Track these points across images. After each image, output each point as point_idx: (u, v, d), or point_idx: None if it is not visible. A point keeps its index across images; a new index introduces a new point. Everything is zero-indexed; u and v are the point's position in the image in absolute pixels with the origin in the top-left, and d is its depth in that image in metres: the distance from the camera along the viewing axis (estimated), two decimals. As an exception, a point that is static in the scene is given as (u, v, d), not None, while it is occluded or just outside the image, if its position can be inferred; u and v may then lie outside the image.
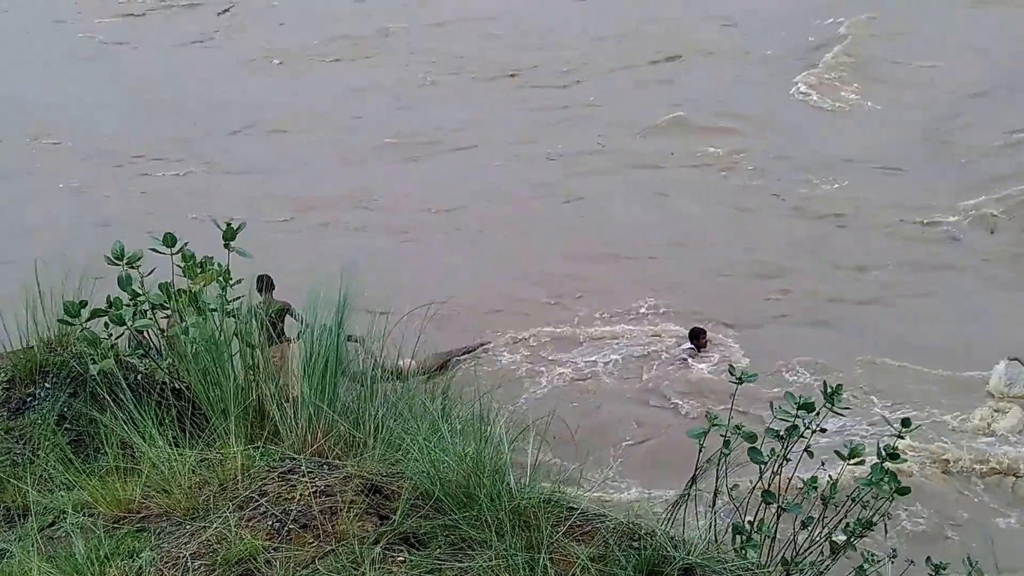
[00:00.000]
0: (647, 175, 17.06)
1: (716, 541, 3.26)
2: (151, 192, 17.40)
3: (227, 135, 19.85)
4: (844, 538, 3.73)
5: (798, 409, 3.56)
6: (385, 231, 15.66)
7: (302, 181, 17.38)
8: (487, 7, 25.89)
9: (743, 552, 3.27)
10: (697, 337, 12.10)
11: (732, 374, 3.71)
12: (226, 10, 27.79)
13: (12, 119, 20.63)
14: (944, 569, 3.76)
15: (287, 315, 7.84)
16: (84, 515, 3.39)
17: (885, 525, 3.75)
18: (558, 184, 16.93)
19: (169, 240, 4.28)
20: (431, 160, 18.27)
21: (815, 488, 3.72)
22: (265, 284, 9.26)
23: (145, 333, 4.31)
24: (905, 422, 3.77)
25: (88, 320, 4.10)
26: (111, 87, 22.32)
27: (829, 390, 3.69)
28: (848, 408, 3.79)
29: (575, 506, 3.31)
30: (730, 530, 3.46)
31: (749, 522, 3.50)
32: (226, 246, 4.39)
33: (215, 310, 4.02)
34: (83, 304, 4.11)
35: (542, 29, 24.43)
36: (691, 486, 3.58)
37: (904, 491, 3.67)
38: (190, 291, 4.20)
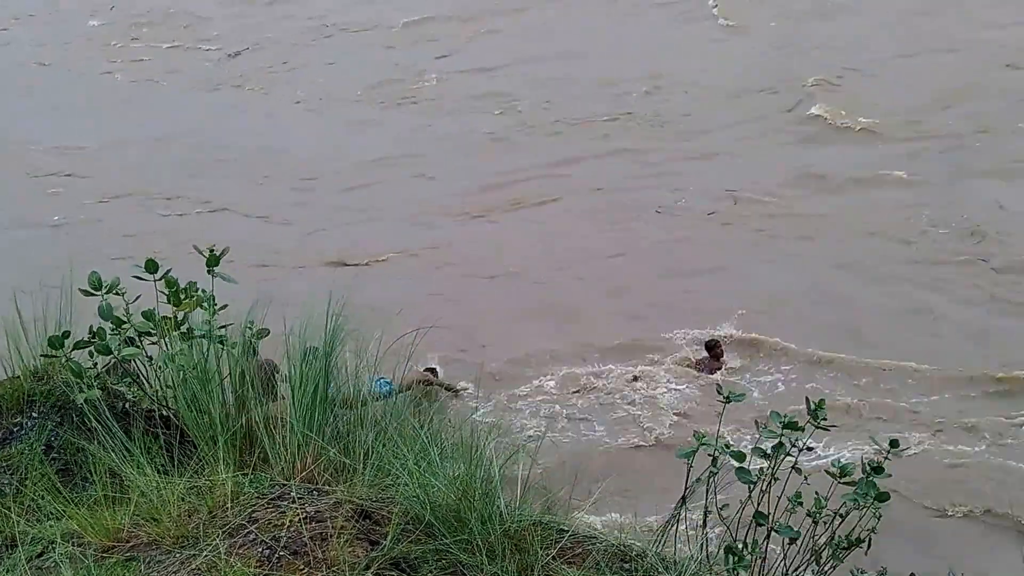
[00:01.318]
0: (798, 238, 14.30)
1: (708, 562, 3.27)
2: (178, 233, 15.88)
3: (290, 185, 18.12)
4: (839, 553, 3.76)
5: (784, 428, 3.59)
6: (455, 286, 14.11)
7: (367, 234, 15.86)
8: (535, 50, 23.21)
9: (735, 573, 3.28)
10: None
11: (720, 393, 3.74)
12: (238, 53, 25.61)
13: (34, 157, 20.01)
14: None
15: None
16: (73, 545, 3.37)
17: (869, 539, 3.77)
18: (676, 245, 14.47)
19: (151, 266, 4.26)
20: (510, 215, 16.10)
21: (800, 503, 3.75)
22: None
23: (133, 360, 4.29)
24: (893, 443, 3.81)
25: (72, 351, 4.08)
26: (143, 132, 20.99)
27: (813, 406, 3.73)
28: (835, 425, 3.81)
29: (566, 528, 3.31)
30: (721, 550, 3.47)
31: (744, 544, 3.51)
32: (209, 272, 4.38)
33: (202, 336, 4.01)
34: (66, 335, 4.09)
35: (614, 73, 21.26)
36: (681, 506, 3.59)
37: (884, 497, 3.69)
38: (175, 317, 4.19)
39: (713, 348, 11.60)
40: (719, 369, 11.55)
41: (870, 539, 3.78)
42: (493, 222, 16.02)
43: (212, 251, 4.45)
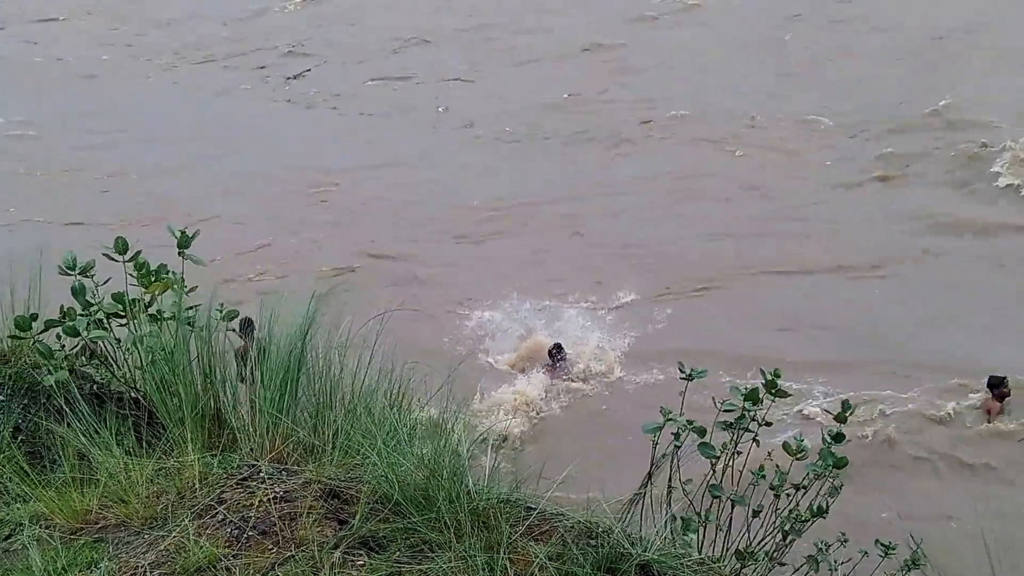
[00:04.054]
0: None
1: (672, 537, 3.31)
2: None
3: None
4: (796, 526, 3.82)
5: (745, 400, 3.63)
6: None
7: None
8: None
9: (683, 537, 3.33)
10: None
11: (682, 371, 3.78)
12: (297, 76, 21.17)
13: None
14: (894, 550, 3.85)
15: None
16: (41, 527, 3.37)
17: (827, 505, 3.82)
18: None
19: (120, 246, 4.25)
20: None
21: (763, 477, 3.80)
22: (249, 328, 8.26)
23: (101, 342, 4.28)
24: (845, 404, 3.86)
25: (41, 332, 4.07)
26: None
27: (769, 378, 3.77)
28: (789, 394, 3.86)
29: (533, 506, 3.35)
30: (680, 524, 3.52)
31: (697, 514, 3.57)
32: (180, 253, 4.37)
33: (171, 318, 4.00)
34: (34, 317, 4.08)
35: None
36: (647, 483, 3.63)
37: (842, 462, 3.75)
38: (144, 299, 4.18)
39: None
40: None
41: (827, 504, 3.83)
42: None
43: (184, 232, 4.45)
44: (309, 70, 21.41)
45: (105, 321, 4.15)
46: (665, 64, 20.01)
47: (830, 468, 3.69)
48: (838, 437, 3.73)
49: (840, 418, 3.84)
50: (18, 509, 3.52)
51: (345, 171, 16.83)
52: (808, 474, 3.75)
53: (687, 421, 3.63)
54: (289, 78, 21.24)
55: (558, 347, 12.11)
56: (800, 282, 13.32)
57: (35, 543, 3.22)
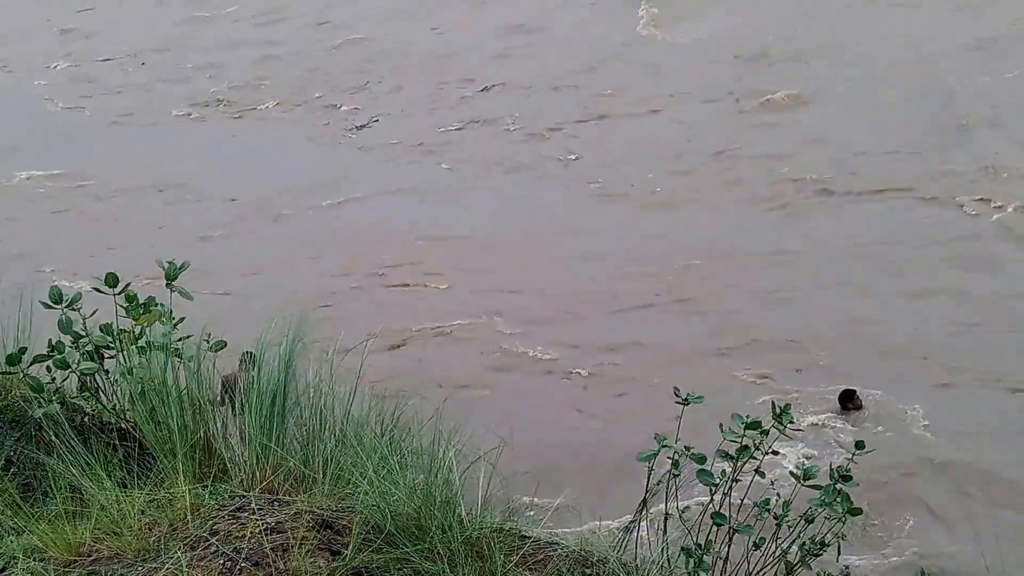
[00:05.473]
0: None
1: (668, 565, 3.28)
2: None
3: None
4: (798, 557, 3.77)
5: (745, 429, 3.60)
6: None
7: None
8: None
9: (695, 574, 3.29)
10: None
11: (677, 395, 3.75)
12: (364, 126, 16.35)
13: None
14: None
15: None
16: (35, 560, 3.35)
17: (839, 546, 3.78)
18: None
19: (111, 280, 4.26)
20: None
21: (768, 510, 3.76)
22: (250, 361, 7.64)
23: (91, 374, 4.27)
24: (859, 444, 3.81)
25: (30, 365, 4.07)
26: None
27: (777, 410, 3.74)
28: (800, 430, 3.82)
29: (527, 535, 3.32)
30: (681, 554, 3.48)
31: (698, 545, 3.52)
32: (168, 286, 4.38)
33: (159, 349, 3.99)
34: (23, 351, 4.07)
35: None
36: (642, 510, 3.60)
37: (856, 512, 3.71)
38: (132, 331, 4.18)
39: None
40: None
41: (839, 546, 3.79)
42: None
43: (171, 263, 4.46)
44: (377, 119, 17.11)
45: (94, 354, 4.15)
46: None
47: (845, 515, 3.65)
48: (846, 477, 3.68)
49: (857, 445, 3.78)
50: (12, 542, 3.50)
51: (444, 231, 13.22)
52: (812, 508, 3.71)
53: (684, 447, 3.60)
54: (353, 128, 17.03)
55: (850, 393, 9.25)
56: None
57: (28, 576, 3.20)
